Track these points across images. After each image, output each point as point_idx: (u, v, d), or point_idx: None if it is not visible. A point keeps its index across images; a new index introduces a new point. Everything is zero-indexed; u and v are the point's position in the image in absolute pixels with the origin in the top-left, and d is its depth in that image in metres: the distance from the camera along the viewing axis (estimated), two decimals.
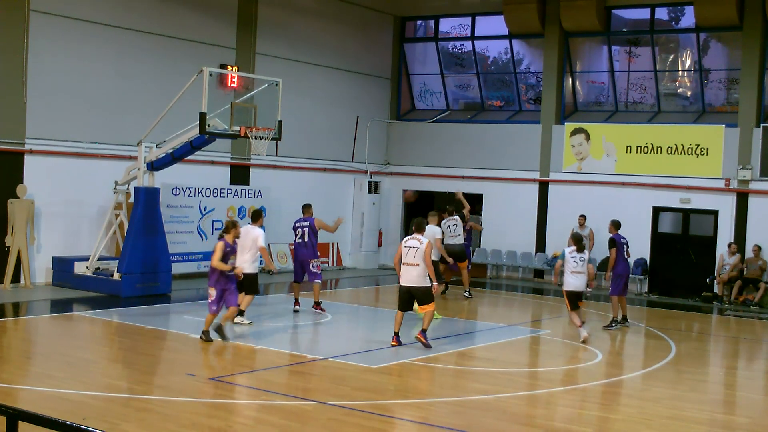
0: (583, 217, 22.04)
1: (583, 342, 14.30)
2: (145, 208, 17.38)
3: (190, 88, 16.70)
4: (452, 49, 26.51)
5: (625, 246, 16.30)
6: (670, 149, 22.00)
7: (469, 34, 25.73)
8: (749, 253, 20.83)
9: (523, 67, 25.75)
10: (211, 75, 16.46)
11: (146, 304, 16.41)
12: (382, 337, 13.83)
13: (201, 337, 12.88)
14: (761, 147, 20.83)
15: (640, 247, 21.87)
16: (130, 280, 17.15)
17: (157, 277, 17.56)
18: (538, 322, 17.19)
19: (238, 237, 13.04)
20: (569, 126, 23.47)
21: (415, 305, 13.43)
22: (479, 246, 24.28)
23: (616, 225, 16.39)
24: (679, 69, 23.71)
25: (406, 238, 13.31)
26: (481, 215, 24.57)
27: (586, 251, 14.99)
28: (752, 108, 21.14)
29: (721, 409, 11.07)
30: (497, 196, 24.45)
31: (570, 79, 24.32)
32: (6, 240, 17.39)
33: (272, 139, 16.90)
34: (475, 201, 24.87)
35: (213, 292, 12.78)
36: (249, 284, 13.84)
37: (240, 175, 22.21)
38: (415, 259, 12.96)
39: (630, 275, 17.12)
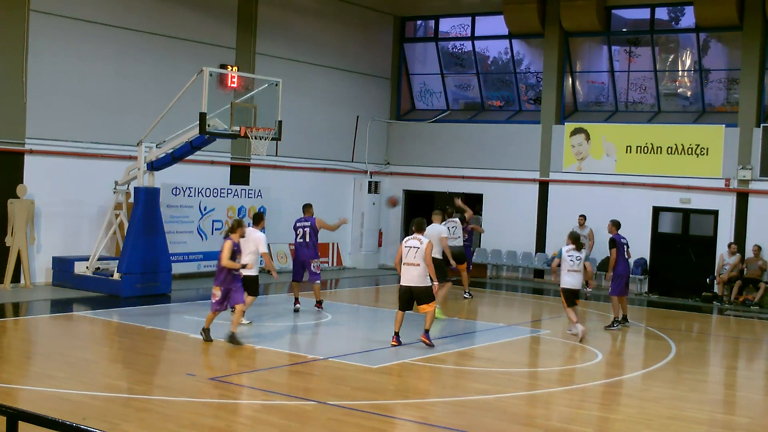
0: (583, 217, 22.04)
1: (581, 338, 14.40)
2: (145, 208, 17.38)
3: (190, 88, 16.70)
4: (452, 49, 26.51)
5: (625, 246, 16.31)
6: (670, 149, 22.00)
7: (469, 34, 25.73)
8: (749, 253, 20.83)
9: (523, 67, 25.76)
10: (211, 75, 16.46)
11: (146, 304, 16.41)
12: (382, 337, 13.83)
13: (201, 335, 12.89)
14: (761, 147, 20.83)
15: (640, 247, 21.87)
16: (130, 280, 17.15)
17: (157, 277, 17.56)
18: (538, 322, 17.19)
19: (243, 236, 13.03)
20: (569, 126, 23.48)
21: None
22: (479, 246, 24.28)
23: (616, 225, 16.39)
24: (679, 69, 23.71)
25: (407, 238, 13.32)
26: (481, 215, 24.57)
27: (584, 250, 15.03)
28: (752, 108, 21.14)
29: (721, 409, 11.07)
30: (497, 196, 24.45)
31: (570, 79, 24.32)
32: (6, 240, 17.39)
33: (272, 139, 16.90)
34: (475, 201, 24.88)
35: (217, 293, 12.72)
36: (249, 286, 13.84)
37: (240, 175, 22.21)
38: (415, 258, 12.97)
39: (630, 275, 17.10)
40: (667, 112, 23.10)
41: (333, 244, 24.52)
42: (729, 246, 20.93)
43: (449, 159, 25.21)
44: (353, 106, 25.19)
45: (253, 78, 19.76)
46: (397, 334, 13.22)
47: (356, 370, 11.62)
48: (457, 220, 18.65)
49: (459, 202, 19.48)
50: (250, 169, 22.49)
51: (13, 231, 17.34)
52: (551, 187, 23.68)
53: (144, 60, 19.87)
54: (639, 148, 22.40)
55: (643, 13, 23.18)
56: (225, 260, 12.56)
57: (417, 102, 26.95)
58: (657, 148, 22.15)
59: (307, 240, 15.80)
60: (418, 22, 27.06)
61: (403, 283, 13.17)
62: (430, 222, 16.00)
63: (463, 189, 25.07)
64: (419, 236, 13.18)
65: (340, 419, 9.16)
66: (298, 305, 16.03)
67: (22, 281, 17.66)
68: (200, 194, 20.33)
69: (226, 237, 12.85)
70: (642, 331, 16.35)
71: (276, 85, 17.23)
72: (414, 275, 13.01)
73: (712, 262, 21.38)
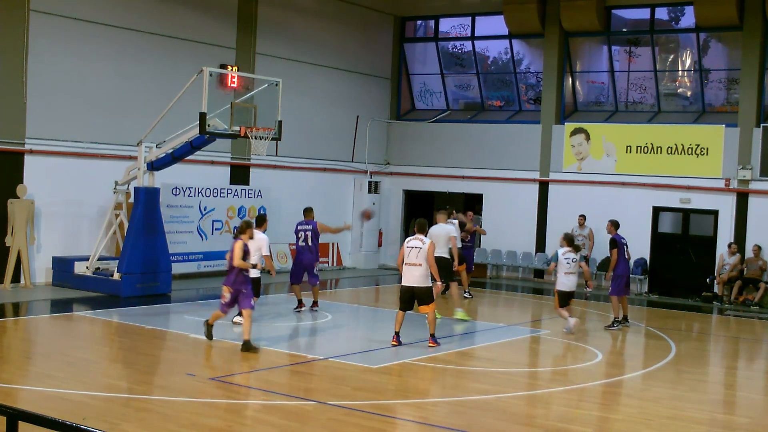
0: (583, 217, 22.05)
1: (571, 331, 14.73)
2: (145, 208, 17.38)
3: (190, 88, 16.70)
4: (452, 49, 26.51)
5: (625, 246, 16.32)
6: (670, 149, 22.00)
7: (469, 34, 25.73)
8: (749, 253, 20.83)
9: (523, 67, 25.75)
10: (211, 75, 16.46)
11: (146, 304, 16.41)
12: (382, 337, 13.83)
13: (203, 328, 12.86)
14: (761, 147, 20.83)
15: (640, 247, 21.88)
16: (130, 280, 17.15)
17: (157, 277, 17.56)
18: (538, 322, 17.19)
19: (251, 238, 12.88)
20: (569, 126, 23.48)
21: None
22: (479, 246, 24.28)
23: (615, 225, 16.38)
24: (679, 69, 23.71)
25: (409, 238, 13.34)
26: (481, 215, 24.57)
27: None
28: (752, 108, 21.14)
29: (721, 409, 11.07)
30: (497, 196, 24.45)
31: (570, 79, 24.32)
32: (6, 240, 17.39)
33: (272, 139, 16.90)
34: (475, 201, 24.90)
35: (227, 294, 12.50)
36: (251, 287, 13.83)
37: (240, 175, 22.21)
38: (417, 259, 12.99)
39: (630, 275, 17.11)
40: (667, 112, 23.10)
41: (333, 244, 24.52)
42: (729, 246, 20.93)
43: (449, 159, 25.21)
44: (353, 106, 25.19)
45: (253, 78, 19.76)
46: (397, 333, 13.23)
47: (356, 370, 11.62)
48: (455, 221, 18.64)
49: (462, 217, 19.30)
50: (250, 169, 22.50)
51: (13, 231, 17.34)
52: (551, 187, 23.68)
53: (144, 60, 19.87)
54: (639, 148, 22.40)
55: (643, 13, 23.18)
56: (237, 260, 12.35)
57: (417, 102, 26.95)
58: (657, 148, 22.15)
59: (310, 244, 15.87)
60: (418, 22, 27.06)
61: (405, 283, 13.18)
62: (431, 223, 15.94)
63: (463, 189, 25.10)
64: (421, 237, 13.21)
65: (340, 419, 9.16)
66: (303, 307, 16.08)
67: (22, 281, 17.66)
68: (200, 194, 20.33)
69: (236, 238, 12.66)
70: (642, 331, 16.35)
71: (276, 85, 17.23)
72: (415, 275, 13.03)
73: (712, 262, 21.38)
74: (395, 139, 26.32)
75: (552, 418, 9.84)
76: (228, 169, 21.98)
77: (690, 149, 21.76)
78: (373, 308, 18.49)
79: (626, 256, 16.32)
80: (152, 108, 18.41)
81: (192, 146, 17.08)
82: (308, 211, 16.34)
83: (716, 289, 21.04)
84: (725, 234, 21.28)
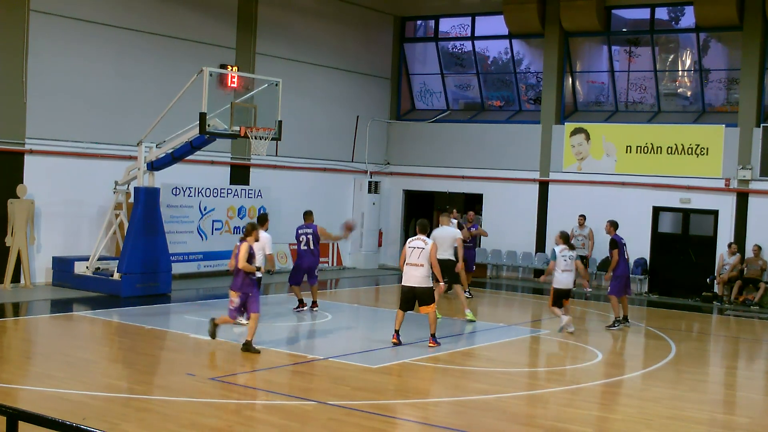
0: (583, 217, 22.05)
1: (562, 329, 14.86)
2: (145, 208, 17.38)
3: (190, 88, 16.70)
4: (452, 49, 26.51)
5: (624, 246, 16.32)
6: (670, 149, 22.00)
7: (469, 34, 25.73)
8: (749, 253, 20.83)
9: (523, 67, 25.75)
10: (211, 75, 16.46)
11: (146, 304, 16.41)
12: (382, 337, 13.83)
13: (208, 325, 12.63)
14: (761, 147, 20.83)
15: (640, 247, 21.89)
16: (130, 280, 17.15)
17: (157, 277, 17.56)
18: (538, 322, 17.18)
19: (257, 240, 12.72)
20: (569, 126, 23.48)
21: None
22: (479, 246, 24.28)
23: (614, 225, 16.37)
24: (679, 69, 23.71)
25: (411, 239, 13.38)
26: (481, 215, 24.57)
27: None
28: (752, 108, 21.14)
29: (721, 409, 11.07)
30: (497, 196, 24.45)
31: (570, 79, 24.32)
32: (6, 240, 17.39)
33: (272, 139, 16.90)
34: (475, 201, 24.90)
35: (236, 299, 12.27)
36: None
37: (240, 175, 22.21)
38: (419, 259, 13.02)
39: (630, 275, 17.12)
40: (667, 112, 23.10)
41: (333, 244, 24.50)
42: (729, 246, 20.93)
43: (449, 159, 25.21)
44: (353, 106, 25.19)
45: (253, 78, 19.76)
46: (397, 332, 13.26)
47: (356, 370, 11.62)
48: (455, 221, 18.68)
49: (458, 217, 19.38)
50: (250, 169, 22.49)
51: (13, 231, 17.34)
52: (551, 187, 23.68)
53: (144, 60, 19.87)
54: (639, 148, 22.40)
55: (643, 13, 23.18)
56: (242, 262, 12.12)
57: (417, 102, 26.95)
58: (657, 148, 22.15)
59: (311, 247, 15.98)
60: (418, 22, 27.06)
61: (406, 283, 13.20)
62: (431, 223, 16.00)
63: (463, 189, 25.10)
64: (423, 237, 13.23)
65: (340, 419, 9.16)
66: (305, 307, 16.11)
67: (22, 281, 17.66)
68: (200, 194, 20.33)
69: (242, 240, 12.46)
70: (642, 331, 16.35)
71: (276, 85, 17.23)
72: (417, 276, 13.05)
73: (712, 262, 21.38)
74: (395, 139, 26.32)
75: (552, 418, 9.84)
76: (228, 169, 21.98)
77: (690, 149, 21.76)
78: (373, 308, 18.49)
79: (626, 257, 16.34)
80: (152, 108, 18.41)
81: (192, 146, 17.08)
82: (308, 215, 16.36)
83: (716, 289, 21.04)
84: (725, 234, 21.28)
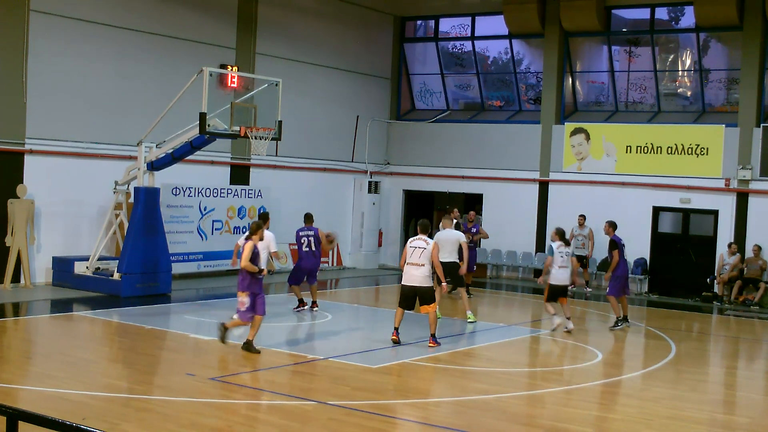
0: (583, 217, 22.04)
1: (554, 330, 14.99)
2: (145, 208, 17.38)
3: (190, 88, 16.70)
4: (452, 49, 26.51)
5: (623, 247, 16.33)
6: (670, 149, 22.00)
7: (469, 34, 25.73)
8: (749, 253, 20.83)
9: (523, 67, 25.75)
10: (211, 75, 16.47)
11: (146, 304, 16.41)
12: (382, 337, 13.83)
13: (218, 331, 12.30)
14: (761, 147, 20.83)
15: (640, 247, 21.90)
16: (130, 280, 17.15)
17: (157, 277, 17.56)
18: (538, 322, 17.18)
19: (261, 239, 12.58)
20: (569, 126, 23.48)
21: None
22: (479, 246, 24.24)
23: (613, 226, 16.37)
24: (679, 69, 23.71)
25: (412, 238, 13.40)
26: (481, 215, 24.57)
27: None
28: (752, 108, 21.14)
29: (721, 409, 11.07)
30: (497, 196, 24.45)
31: (570, 79, 24.32)
32: (6, 240, 17.39)
33: (272, 139, 16.90)
34: (475, 201, 24.89)
35: (246, 299, 12.04)
36: None
37: (240, 175, 22.21)
38: (420, 259, 13.04)
39: (628, 276, 17.15)
40: (667, 112, 23.10)
41: None
42: (729, 246, 20.93)
43: (449, 159, 25.21)
44: (353, 106, 25.19)
45: (253, 78, 19.77)
46: (396, 329, 13.30)
47: (356, 370, 11.62)
48: (455, 221, 18.71)
49: (458, 217, 19.46)
50: (250, 169, 22.49)
51: (13, 231, 17.34)
52: (551, 187, 23.68)
53: (144, 60, 19.87)
54: (639, 148, 22.40)
55: (643, 13, 23.18)
56: (244, 261, 11.96)
57: (417, 102, 26.95)
58: (657, 148, 22.15)
59: (313, 249, 16.06)
60: (418, 22, 27.06)
61: (406, 282, 13.21)
62: (432, 223, 16.04)
63: (463, 189, 25.10)
64: (425, 237, 13.24)
65: (340, 419, 9.16)
66: (305, 307, 16.15)
67: (22, 281, 17.66)
68: (200, 194, 20.33)
69: (247, 239, 12.33)
70: (642, 331, 16.35)
71: (276, 85, 17.23)
72: (418, 275, 13.07)
73: (712, 262, 21.37)
74: (395, 139, 26.32)
75: (552, 418, 9.84)
76: (228, 169, 21.98)
77: (690, 149, 21.76)
78: (373, 308, 18.49)
79: (624, 257, 16.37)
80: (152, 108, 18.41)
81: (192, 146, 17.08)
82: (309, 218, 16.39)
83: (716, 289, 21.04)
84: (725, 234, 21.28)
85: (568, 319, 15.30)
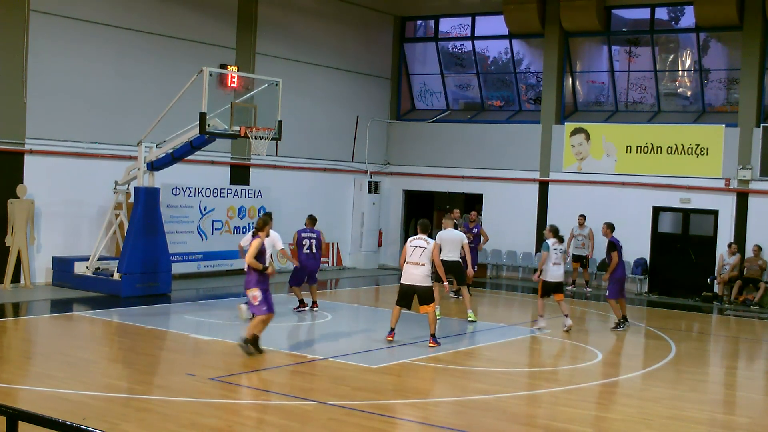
0: (583, 217, 22.04)
1: (538, 329, 15.13)
2: (145, 208, 17.38)
3: (190, 88, 16.70)
4: (452, 49, 26.51)
5: (621, 248, 16.34)
6: (670, 149, 22.00)
7: (469, 34, 25.73)
8: (749, 253, 20.83)
9: (523, 67, 25.75)
10: (211, 75, 16.46)
11: (146, 304, 16.41)
12: (382, 337, 13.82)
13: (245, 347, 11.87)
14: (761, 147, 20.83)
15: (640, 247, 21.90)
16: (130, 280, 17.15)
17: (157, 277, 17.56)
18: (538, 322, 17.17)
19: (268, 236, 12.43)
20: (569, 126, 23.47)
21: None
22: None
23: (611, 227, 16.37)
24: (679, 69, 23.71)
25: (412, 238, 13.43)
26: (481, 215, 24.55)
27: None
28: (752, 108, 21.14)
29: (721, 409, 11.07)
30: (497, 196, 24.45)
31: (570, 79, 24.32)
32: (6, 240, 17.39)
33: (272, 139, 16.90)
34: (475, 201, 24.89)
35: (258, 293, 11.85)
36: None
37: (240, 175, 22.21)
38: (420, 258, 13.05)
39: (629, 275, 17.18)
40: (667, 112, 23.10)
41: (333, 244, 24.52)
42: (729, 246, 20.93)
43: (449, 159, 25.21)
44: (353, 106, 25.19)
45: (253, 78, 19.76)
46: (392, 329, 13.31)
47: (356, 370, 11.62)
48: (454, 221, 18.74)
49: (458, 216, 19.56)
50: (250, 169, 22.49)
51: (13, 231, 17.34)
52: (551, 187, 23.67)
53: (144, 60, 19.86)
54: (639, 148, 22.40)
55: (643, 13, 23.18)
56: (250, 258, 11.76)
57: (417, 102, 26.95)
58: (657, 148, 22.15)
59: (314, 251, 16.11)
60: (418, 22, 27.06)
61: (405, 281, 13.22)
62: (432, 222, 16.12)
63: (463, 189, 25.09)
64: (425, 236, 13.25)
65: (340, 419, 9.16)
66: (305, 307, 16.16)
67: (22, 281, 17.66)
68: (200, 194, 20.33)
69: (254, 236, 12.18)
70: (642, 331, 16.35)
71: (276, 85, 17.23)
72: (417, 275, 13.08)
73: (712, 262, 21.37)
74: (395, 139, 26.32)
75: (552, 418, 9.84)
76: (228, 169, 21.98)
77: (690, 149, 21.76)
78: (373, 308, 18.49)
79: (623, 259, 16.40)
80: (152, 108, 18.41)
81: (192, 146, 17.08)
82: (313, 220, 16.38)
83: (716, 289, 21.04)
84: (725, 234, 21.28)
85: (567, 316, 15.33)
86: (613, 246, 16.02)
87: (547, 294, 15.43)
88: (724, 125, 21.47)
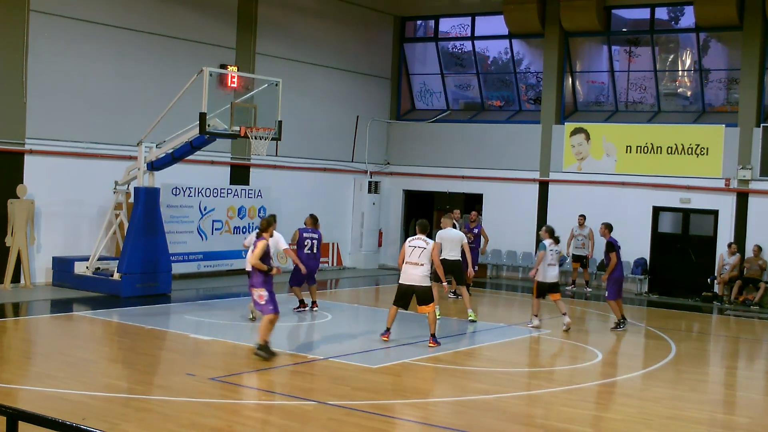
0: (583, 217, 22.05)
1: (533, 327, 15.28)
2: (145, 208, 17.38)
3: (190, 88, 16.70)
4: (452, 49, 26.51)
5: (619, 249, 16.35)
6: (670, 149, 22.00)
7: (469, 34, 25.73)
8: (749, 253, 20.83)
9: (523, 67, 25.75)
10: (211, 75, 16.46)
11: (146, 304, 16.41)
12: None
13: (259, 353, 11.82)
14: (761, 147, 20.83)
15: (640, 247, 21.90)
16: (130, 280, 17.15)
17: (157, 277, 17.56)
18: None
19: (271, 236, 12.38)
20: (569, 126, 23.47)
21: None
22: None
23: (609, 228, 16.36)
24: (679, 69, 23.71)
25: (411, 238, 13.43)
26: (481, 215, 24.55)
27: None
28: (752, 108, 21.14)
29: (721, 409, 11.07)
30: (497, 196, 24.45)
31: (570, 79, 24.32)
32: (6, 240, 17.39)
33: (272, 139, 16.91)
34: (475, 201, 24.89)
35: (264, 293, 11.84)
36: None
37: (240, 175, 22.21)
38: (419, 258, 13.05)
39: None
40: (667, 112, 23.10)
41: (333, 244, 24.52)
42: (729, 246, 20.93)
43: (449, 159, 25.21)
44: (353, 106, 25.19)
45: (253, 78, 19.76)
46: (388, 329, 13.32)
47: (356, 370, 11.62)
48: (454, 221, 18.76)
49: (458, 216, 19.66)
50: (250, 169, 22.49)
51: (13, 231, 17.34)
52: (551, 187, 23.67)
53: (144, 60, 19.87)
54: (639, 148, 22.40)
55: (643, 13, 23.18)
56: (254, 259, 11.72)
57: (417, 102, 26.95)
58: (657, 148, 22.15)
59: (315, 251, 16.15)
60: (418, 22, 27.06)
61: (404, 281, 13.22)
62: (431, 223, 16.17)
63: (463, 189, 25.09)
64: (424, 237, 13.26)
65: (340, 419, 9.16)
66: (305, 307, 16.17)
67: (22, 281, 17.66)
68: (200, 194, 20.33)
69: (259, 237, 12.13)
70: (642, 331, 16.35)
71: (276, 85, 17.23)
72: (416, 275, 13.08)
73: (712, 262, 21.37)
74: (395, 139, 26.32)
75: (552, 418, 9.83)
76: (228, 169, 21.98)
77: (690, 149, 21.76)
78: (373, 308, 18.48)
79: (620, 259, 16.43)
80: (152, 108, 18.41)
81: (192, 146, 17.08)
82: (315, 220, 16.38)
83: (716, 289, 21.04)
84: (725, 234, 21.28)
85: (564, 314, 15.35)
86: (612, 246, 16.03)
87: (542, 295, 15.49)
88: (724, 125, 21.47)
